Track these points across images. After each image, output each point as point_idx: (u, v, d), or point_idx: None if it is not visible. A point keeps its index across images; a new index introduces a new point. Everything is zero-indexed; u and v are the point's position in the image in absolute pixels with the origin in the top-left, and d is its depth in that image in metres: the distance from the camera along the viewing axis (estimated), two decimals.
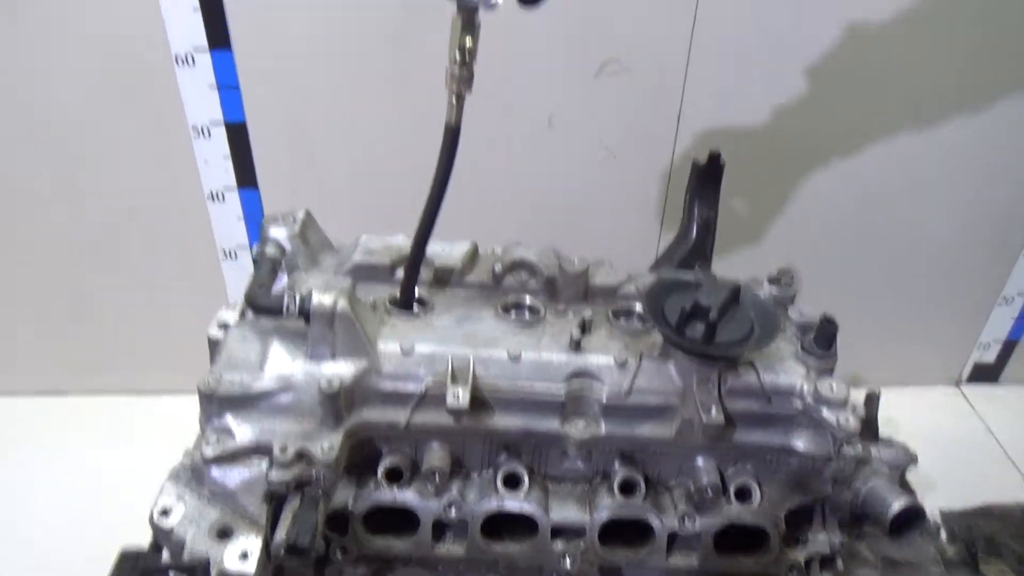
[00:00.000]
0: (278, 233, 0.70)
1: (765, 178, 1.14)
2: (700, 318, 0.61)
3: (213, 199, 1.11)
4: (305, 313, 0.61)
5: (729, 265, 1.13)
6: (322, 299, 0.61)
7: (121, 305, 1.19)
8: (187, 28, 0.98)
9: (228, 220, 1.13)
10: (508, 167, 1.10)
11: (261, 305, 0.63)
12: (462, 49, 0.58)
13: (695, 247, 0.80)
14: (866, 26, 1.02)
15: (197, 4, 0.96)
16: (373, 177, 1.11)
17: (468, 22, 0.58)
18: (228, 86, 1.03)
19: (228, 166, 1.09)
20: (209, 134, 1.06)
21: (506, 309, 0.70)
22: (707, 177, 0.80)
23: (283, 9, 0.98)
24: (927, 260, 1.24)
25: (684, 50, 1.04)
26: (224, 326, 0.68)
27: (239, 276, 1.18)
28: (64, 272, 1.16)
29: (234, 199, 1.11)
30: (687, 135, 1.10)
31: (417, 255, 0.66)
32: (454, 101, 0.60)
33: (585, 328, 0.66)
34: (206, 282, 1.18)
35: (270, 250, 0.68)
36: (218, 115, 1.05)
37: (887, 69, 1.06)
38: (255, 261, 0.69)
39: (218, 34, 0.99)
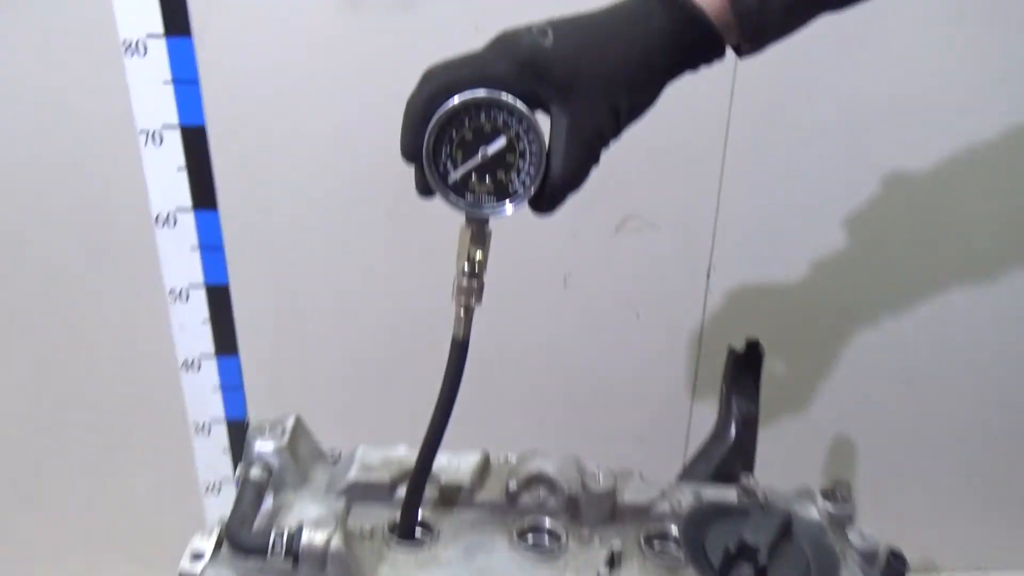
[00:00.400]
0: (265, 447, 0.70)
1: (806, 338, 1.16)
2: (747, 559, 0.60)
3: (187, 368, 1.13)
4: (293, 554, 0.60)
5: (773, 435, 1.12)
6: (313, 538, 0.60)
7: (80, 485, 1.18)
8: (170, 188, 1.02)
9: (202, 391, 1.13)
10: (520, 332, 1.12)
11: (243, 545, 0.62)
12: (471, 261, 0.60)
13: (735, 447, 0.79)
14: (906, 174, 1.06)
15: (183, 163, 1.01)
16: (367, 347, 1.13)
17: (478, 233, 0.60)
18: (211, 247, 1.06)
19: (206, 332, 1.11)
20: (187, 297, 1.09)
21: (522, 534, 0.69)
22: (745, 367, 0.81)
23: (275, 170, 1.02)
24: (996, 427, 1.23)
25: (712, 204, 1.08)
26: (198, 556, 0.67)
27: (211, 453, 1.17)
28: (16, 449, 1.16)
29: (211, 368, 1.13)
30: (718, 293, 1.12)
31: (420, 480, 0.66)
32: (462, 314, 0.61)
33: (614, 562, 0.65)
34: (175, 459, 1.17)
35: (255, 472, 0.68)
36: (198, 277, 1.07)
37: (931, 216, 1.09)
38: (237, 484, 0.69)
39: (204, 194, 1.03)
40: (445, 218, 0.61)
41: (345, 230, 1.06)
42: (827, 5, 0.57)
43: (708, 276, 1.12)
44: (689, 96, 0.93)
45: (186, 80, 0.97)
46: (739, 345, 0.85)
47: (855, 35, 0.97)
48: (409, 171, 0.58)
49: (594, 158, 0.58)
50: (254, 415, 1.15)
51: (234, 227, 1.05)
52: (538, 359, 1.15)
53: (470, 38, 0.93)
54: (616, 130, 0.57)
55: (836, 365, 1.17)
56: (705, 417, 1.17)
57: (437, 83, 0.55)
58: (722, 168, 1.06)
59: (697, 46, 0.57)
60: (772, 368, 1.17)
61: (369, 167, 1.01)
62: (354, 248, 1.07)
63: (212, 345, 1.11)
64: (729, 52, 0.59)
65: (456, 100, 0.54)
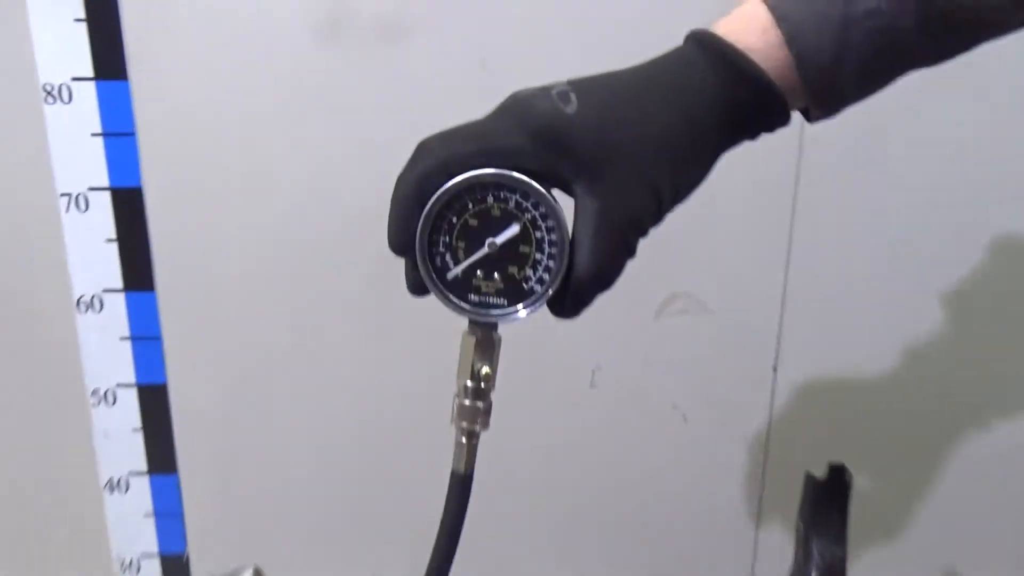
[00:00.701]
0: None
1: (901, 450, 1.15)
2: None
3: (112, 488, 1.12)
4: None
5: (866, 570, 1.10)
6: None
7: None
8: (97, 264, 1.03)
9: (131, 518, 1.13)
10: (536, 444, 1.12)
11: None
12: (476, 377, 0.60)
13: None
14: (1016, 243, 1.06)
15: (113, 234, 1.03)
16: (343, 468, 1.13)
17: (484, 342, 0.60)
18: (146, 337, 1.07)
19: (137, 443, 1.11)
20: (114, 400, 1.09)
21: None
22: (829, 500, 0.81)
23: (229, 243, 1.04)
24: None
25: (778, 279, 1.08)
26: None
27: None
28: None
29: (142, 488, 1.12)
30: (787, 393, 1.12)
31: None
32: (464, 441, 0.61)
33: None
34: None
35: None
36: (129, 375, 1.08)
37: None
38: None
39: (139, 272, 1.04)
40: (442, 311, 0.61)
41: (316, 318, 1.07)
42: (917, 61, 0.58)
43: (774, 371, 1.11)
44: (748, 148, 0.94)
45: (120, 132, 0.99)
46: (819, 469, 0.85)
47: (958, 78, 0.98)
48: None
49: (628, 250, 0.58)
50: (195, 551, 1.14)
51: (175, 313, 1.06)
52: (559, 480, 1.14)
53: (476, 77, 0.94)
54: (657, 215, 0.58)
55: (940, 485, 1.16)
56: (773, 552, 1.15)
57: (433, 159, 0.55)
58: (790, 234, 1.06)
59: (754, 110, 0.57)
60: (858, 486, 1.15)
61: (348, 241, 1.02)
62: (327, 341, 1.08)
63: (144, 460, 1.11)
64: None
65: (458, 179, 0.55)
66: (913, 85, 0.62)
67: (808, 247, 1.07)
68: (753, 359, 1.11)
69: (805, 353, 1.11)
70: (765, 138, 0.60)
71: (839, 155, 1.02)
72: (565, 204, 0.56)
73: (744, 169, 0.99)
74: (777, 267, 1.08)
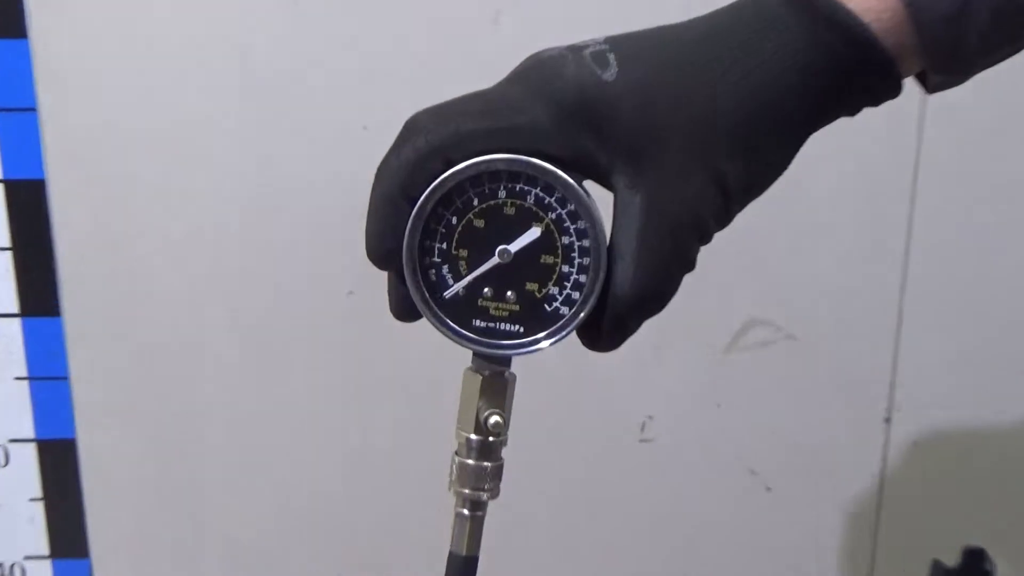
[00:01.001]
0: None
1: None
2: None
3: None
4: None
5: None
6: None
7: None
8: None
9: None
10: (570, 514, 1.12)
11: None
12: (482, 428, 0.60)
13: None
14: None
15: (7, 241, 1.03)
16: (298, 546, 1.13)
17: (494, 383, 0.60)
18: (49, 377, 1.07)
19: (36, 516, 1.11)
20: (6, 459, 1.09)
21: None
22: None
23: (158, 252, 1.05)
24: None
25: (892, 302, 1.08)
26: None
27: None
28: None
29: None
30: (903, 452, 1.12)
31: None
32: (465, 512, 0.61)
33: None
34: None
35: None
36: (26, 428, 1.09)
37: None
38: None
39: (40, 292, 1.05)
40: (438, 340, 0.61)
41: (271, 352, 1.08)
42: None
43: (887, 422, 1.11)
44: (847, 126, 0.94)
45: (16, 108, 1.00)
46: (948, 554, 0.84)
47: None
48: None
49: (686, 261, 0.57)
50: None
51: (87, 346, 1.07)
52: (597, 563, 1.15)
53: (487, 35, 0.95)
54: (723, 214, 0.57)
55: None
56: None
57: (426, 141, 0.55)
58: (907, 241, 1.06)
59: (852, 76, 0.57)
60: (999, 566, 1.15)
61: (315, 250, 1.03)
62: (285, 383, 1.09)
63: (46, 540, 1.12)
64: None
65: (459, 167, 0.55)
66: None
67: (931, 259, 1.07)
68: (858, 407, 1.12)
69: (926, 399, 1.11)
70: (870, 113, 0.59)
71: (970, 137, 1.02)
72: (602, 199, 0.56)
73: (844, 153, 1.00)
74: (890, 285, 1.08)
